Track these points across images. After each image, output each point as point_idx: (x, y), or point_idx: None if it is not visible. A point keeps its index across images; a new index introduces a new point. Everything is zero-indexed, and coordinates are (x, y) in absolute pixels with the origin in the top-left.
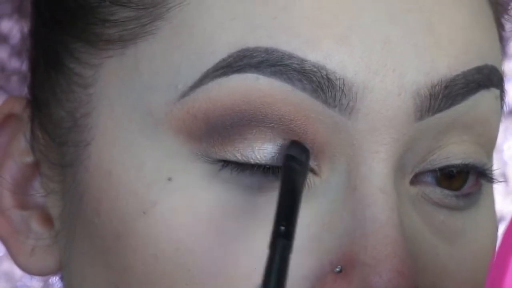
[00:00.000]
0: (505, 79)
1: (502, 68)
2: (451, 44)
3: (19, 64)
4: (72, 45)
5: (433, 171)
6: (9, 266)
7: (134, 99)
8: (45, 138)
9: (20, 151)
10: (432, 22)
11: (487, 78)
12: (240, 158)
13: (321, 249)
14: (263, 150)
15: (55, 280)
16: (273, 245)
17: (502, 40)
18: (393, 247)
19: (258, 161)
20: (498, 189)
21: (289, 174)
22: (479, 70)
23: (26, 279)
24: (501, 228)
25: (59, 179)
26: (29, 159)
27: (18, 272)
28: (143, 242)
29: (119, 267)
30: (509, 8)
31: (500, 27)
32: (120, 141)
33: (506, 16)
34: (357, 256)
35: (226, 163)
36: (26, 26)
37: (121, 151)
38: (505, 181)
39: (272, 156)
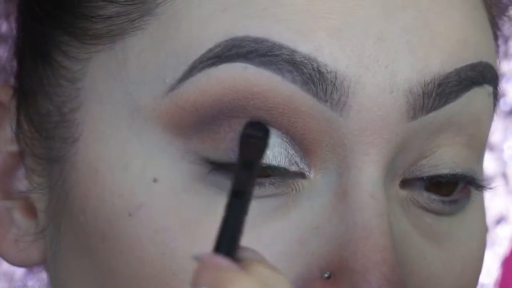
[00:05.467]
0: (505, 79)
1: (502, 68)
2: (445, 41)
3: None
4: (59, 38)
5: (421, 179)
6: (9, 266)
7: (123, 94)
8: (31, 130)
9: (5, 140)
10: (428, 20)
11: (480, 75)
12: (234, 157)
13: (310, 253)
14: None
15: None
16: (228, 205)
17: (497, 39)
18: (382, 254)
19: None
20: (498, 189)
21: (246, 148)
22: (473, 67)
23: (27, 279)
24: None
25: (44, 173)
26: (13, 148)
27: (18, 272)
28: (128, 245)
29: (104, 267)
30: (508, 8)
31: (495, 26)
32: (107, 138)
33: (504, 17)
34: (346, 262)
35: (215, 166)
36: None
37: (108, 149)
38: (491, 188)
39: (266, 155)
